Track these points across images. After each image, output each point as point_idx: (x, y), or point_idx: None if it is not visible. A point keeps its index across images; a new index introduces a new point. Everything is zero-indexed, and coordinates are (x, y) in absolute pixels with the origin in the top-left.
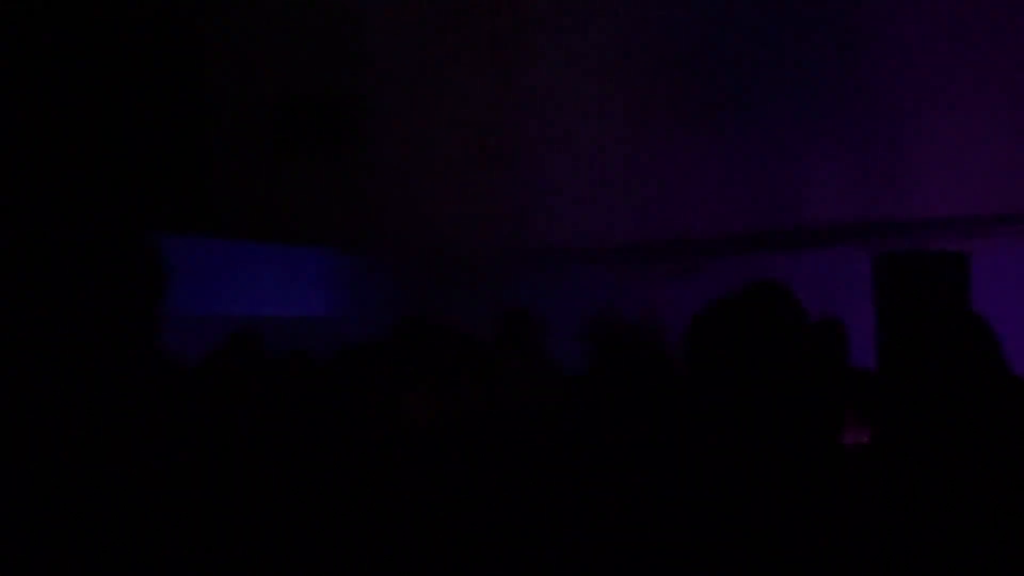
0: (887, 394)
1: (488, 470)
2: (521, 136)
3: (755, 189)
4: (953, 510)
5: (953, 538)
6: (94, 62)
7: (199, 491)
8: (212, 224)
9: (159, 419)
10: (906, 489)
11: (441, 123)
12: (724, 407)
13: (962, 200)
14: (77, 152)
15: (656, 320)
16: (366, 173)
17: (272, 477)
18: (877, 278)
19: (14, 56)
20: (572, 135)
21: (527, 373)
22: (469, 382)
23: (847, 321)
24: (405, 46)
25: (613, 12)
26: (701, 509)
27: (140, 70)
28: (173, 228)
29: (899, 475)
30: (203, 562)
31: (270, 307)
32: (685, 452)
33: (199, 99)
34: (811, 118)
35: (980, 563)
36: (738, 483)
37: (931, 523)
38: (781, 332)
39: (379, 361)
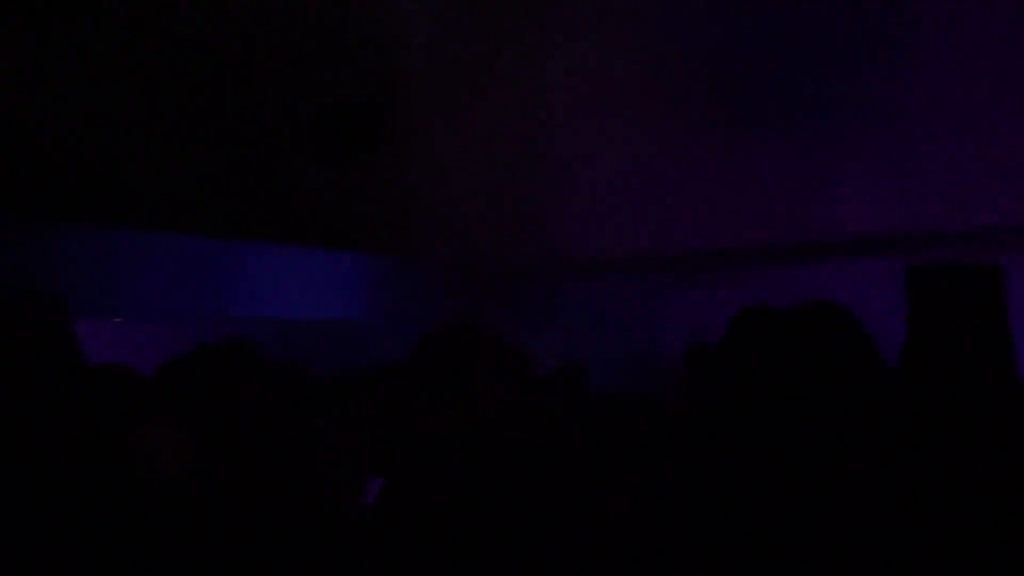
0: (914, 406)
1: (514, 480)
2: (554, 145)
3: (787, 199)
4: (970, 527)
5: (962, 551)
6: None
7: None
8: (248, 227)
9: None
10: (926, 503)
11: (475, 130)
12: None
13: (998, 210)
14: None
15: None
16: (401, 178)
17: (279, 486)
18: (910, 291)
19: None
20: (604, 144)
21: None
22: (501, 390)
23: (879, 335)
24: (441, 52)
25: (647, 22)
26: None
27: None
28: (208, 231)
29: (919, 488)
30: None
31: (305, 310)
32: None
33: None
34: (844, 128)
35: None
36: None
37: (948, 541)
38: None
39: (408, 373)
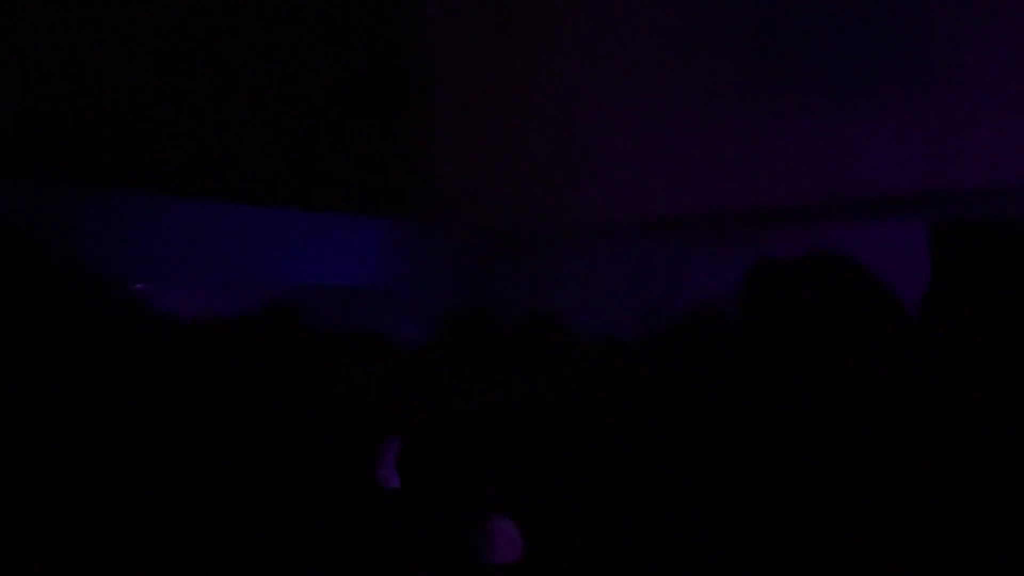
0: (935, 365)
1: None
2: (574, 108)
3: (811, 159)
4: (989, 490)
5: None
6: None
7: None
8: (265, 192)
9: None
10: (944, 464)
11: (495, 96)
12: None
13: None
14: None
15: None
16: (421, 145)
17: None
18: (934, 248)
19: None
20: (624, 107)
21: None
22: (508, 372)
23: (906, 293)
24: (460, 19)
25: None
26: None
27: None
28: (225, 196)
29: (936, 448)
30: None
31: (322, 276)
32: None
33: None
34: (868, 86)
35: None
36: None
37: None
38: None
39: (424, 353)
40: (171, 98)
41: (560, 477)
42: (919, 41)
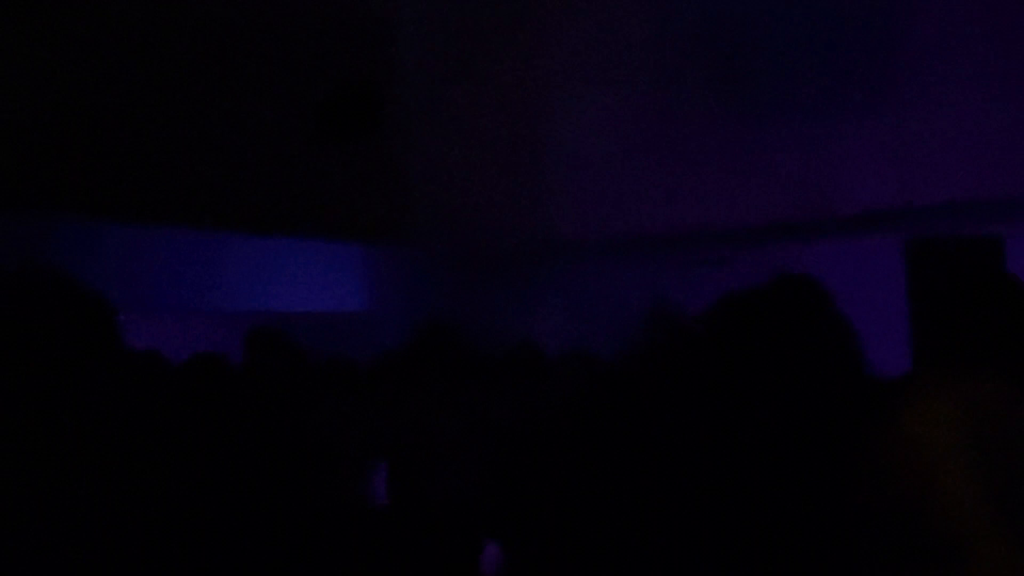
0: (921, 382)
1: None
2: (546, 128)
3: (786, 178)
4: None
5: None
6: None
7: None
8: (243, 220)
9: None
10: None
11: (468, 116)
12: (739, 400)
13: (996, 184)
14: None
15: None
16: (395, 167)
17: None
18: (910, 265)
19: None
20: (600, 127)
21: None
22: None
23: (880, 310)
24: (432, 40)
25: (642, 2)
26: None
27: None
28: (206, 224)
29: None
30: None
31: (302, 303)
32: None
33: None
34: (842, 105)
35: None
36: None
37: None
38: (806, 329)
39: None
40: (146, 126)
41: (541, 496)
42: (891, 58)
